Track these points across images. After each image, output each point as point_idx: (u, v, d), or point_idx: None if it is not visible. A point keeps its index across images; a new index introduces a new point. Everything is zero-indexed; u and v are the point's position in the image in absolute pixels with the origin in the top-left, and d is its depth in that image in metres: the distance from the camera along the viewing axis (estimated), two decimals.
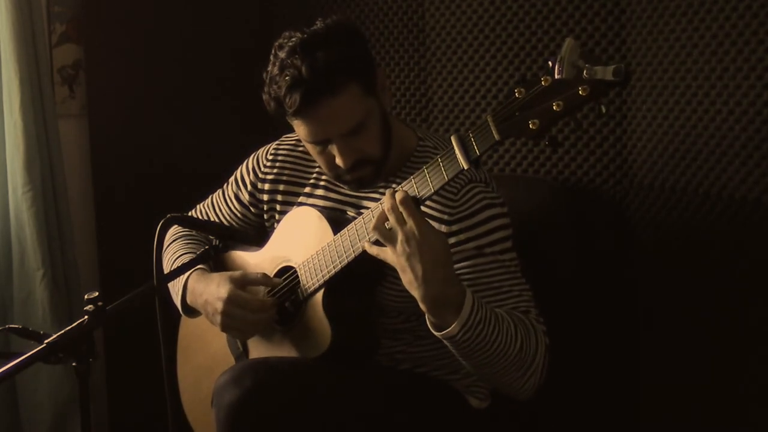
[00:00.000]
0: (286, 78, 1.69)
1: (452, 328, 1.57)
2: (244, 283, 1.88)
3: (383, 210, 1.58)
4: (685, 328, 2.10)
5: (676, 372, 2.13)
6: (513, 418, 2.05)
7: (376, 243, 1.63)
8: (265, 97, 1.77)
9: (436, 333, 1.62)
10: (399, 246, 1.55)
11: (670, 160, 2.11)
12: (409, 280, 1.57)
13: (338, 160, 1.76)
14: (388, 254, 1.59)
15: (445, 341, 1.62)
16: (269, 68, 1.75)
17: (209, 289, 1.89)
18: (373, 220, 1.61)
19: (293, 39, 1.72)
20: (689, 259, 2.10)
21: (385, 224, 1.59)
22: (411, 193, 1.60)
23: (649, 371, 2.18)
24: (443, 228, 1.75)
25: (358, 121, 1.73)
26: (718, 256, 2.04)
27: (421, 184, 1.60)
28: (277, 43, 1.76)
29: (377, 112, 1.78)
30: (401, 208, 1.56)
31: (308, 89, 1.67)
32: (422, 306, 1.59)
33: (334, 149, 1.75)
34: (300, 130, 1.77)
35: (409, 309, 1.83)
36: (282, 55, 1.72)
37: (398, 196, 1.57)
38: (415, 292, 1.58)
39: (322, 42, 1.70)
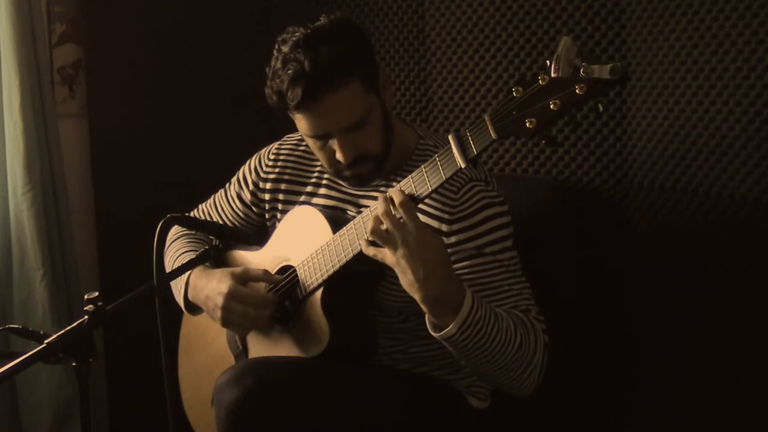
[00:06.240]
0: (289, 72, 1.69)
1: (450, 328, 1.58)
2: (245, 279, 1.88)
3: (379, 213, 1.58)
4: (684, 327, 2.10)
5: (675, 371, 2.13)
6: (513, 418, 2.05)
7: (373, 244, 1.63)
8: (267, 91, 1.77)
9: (434, 334, 1.62)
10: (398, 249, 1.56)
11: (670, 160, 2.10)
12: (409, 282, 1.57)
13: (338, 155, 1.76)
14: (386, 256, 1.59)
15: (443, 342, 1.62)
16: (272, 63, 1.76)
17: (210, 285, 1.90)
18: (370, 223, 1.61)
19: (296, 34, 1.73)
20: (689, 259, 2.10)
21: (381, 226, 1.59)
22: (408, 191, 1.60)
23: (648, 370, 2.18)
24: (444, 227, 1.75)
25: (360, 117, 1.73)
26: (717, 256, 2.04)
27: (419, 183, 1.60)
28: (280, 38, 1.76)
29: (379, 109, 1.78)
30: (401, 211, 1.56)
31: (310, 83, 1.67)
32: (423, 307, 1.60)
33: (334, 144, 1.75)
34: (301, 124, 1.77)
35: (409, 309, 1.83)
36: (285, 49, 1.72)
37: (397, 198, 1.57)
38: (416, 294, 1.58)
39: (325, 37, 1.71)
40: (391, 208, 1.58)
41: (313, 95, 1.68)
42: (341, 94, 1.70)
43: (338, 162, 1.78)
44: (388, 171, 1.84)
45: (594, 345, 2.20)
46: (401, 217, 1.57)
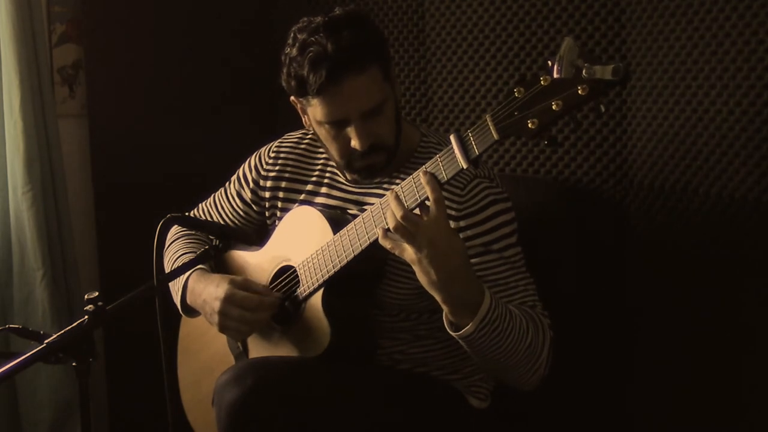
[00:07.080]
0: (310, 55, 1.70)
1: (468, 327, 1.58)
2: (245, 287, 1.87)
3: (400, 215, 1.56)
4: (684, 327, 2.10)
5: (675, 371, 2.13)
6: (513, 418, 2.05)
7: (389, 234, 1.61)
8: (283, 77, 1.78)
9: (452, 333, 1.62)
10: (423, 248, 1.54)
11: (670, 160, 2.11)
12: (431, 281, 1.56)
13: (354, 143, 1.75)
14: (405, 251, 1.57)
15: (460, 340, 1.62)
16: (287, 50, 1.76)
17: (208, 289, 1.90)
18: (391, 219, 1.58)
19: (315, 21, 1.74)
20: (689, 259, 2.10)
21: (404, 223, 1.56)
22: (409, 192, 1.60)
23: (648, 370, 2.18)
24: (451, 224, 1.75)
25: (378, 102, 1.74)
26: (717, 256, 2.04)
27: (419, 184, 1.60)
28: (295, 27, 1.77)
29: (392, 100, 1.80)
30: (434, 207, 1.54)
31: (334, 65, 1.68)
32: (443, 306, 1.60)
33: (351, 131, 1.75)
34: (318, 110, 1.75)
35: (410, 306, 1.83)
36: (303, 36, 1.73)
37: (433, 193, 1.55)
38: (437, 294, 1.58)
39: (345, 23, 1.72)
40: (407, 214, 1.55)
41: (335, 78, 1.69)
42: (362, 78, 1.70)
43: (352, 152, 1.78)
44: (391, 168, 1.84)
45: (594, 345, 2.20)
46: (428, 215, 1.55)
